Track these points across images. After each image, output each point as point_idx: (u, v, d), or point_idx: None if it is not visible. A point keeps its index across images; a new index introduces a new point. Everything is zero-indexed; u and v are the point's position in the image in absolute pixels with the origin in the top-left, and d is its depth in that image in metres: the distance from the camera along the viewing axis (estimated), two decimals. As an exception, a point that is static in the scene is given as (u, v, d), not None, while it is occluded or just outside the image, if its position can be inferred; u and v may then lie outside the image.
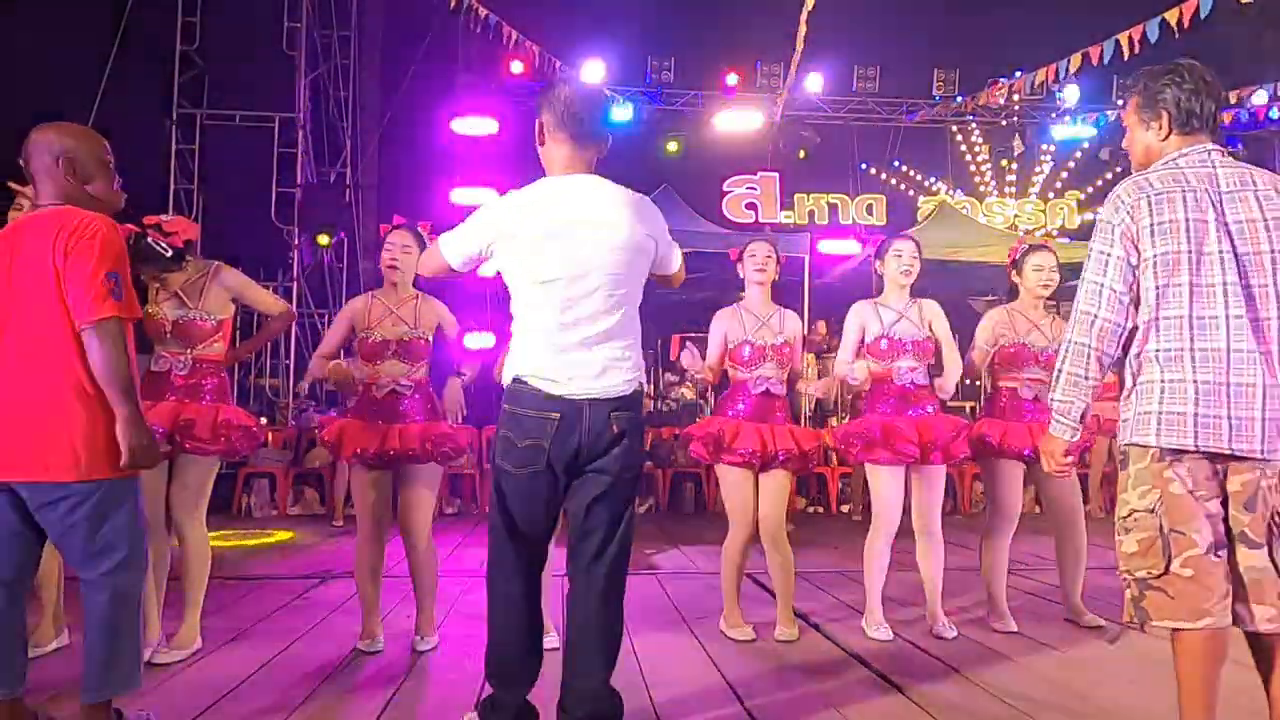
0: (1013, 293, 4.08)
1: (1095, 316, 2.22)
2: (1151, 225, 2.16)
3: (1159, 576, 2.13)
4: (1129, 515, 2.20)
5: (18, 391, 2.32)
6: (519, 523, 2.38)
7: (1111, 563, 2.30)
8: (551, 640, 3.42)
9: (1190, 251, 2.13)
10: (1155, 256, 2.16)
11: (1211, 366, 2.11)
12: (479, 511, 8.34)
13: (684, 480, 8.71)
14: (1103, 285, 2.21)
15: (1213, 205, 2.15)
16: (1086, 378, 2.25)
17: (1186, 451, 2.13)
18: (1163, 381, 2.16)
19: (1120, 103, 2.37)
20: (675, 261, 2.61)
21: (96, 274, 2.28)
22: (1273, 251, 2.12)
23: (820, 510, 8.61)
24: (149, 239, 3.22)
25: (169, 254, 3.26)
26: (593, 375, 2.31)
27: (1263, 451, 2.08)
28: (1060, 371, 2.29)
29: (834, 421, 8.77)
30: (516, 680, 2.40)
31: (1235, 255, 2.12)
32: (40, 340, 2.32)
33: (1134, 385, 2.23)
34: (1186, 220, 2.14)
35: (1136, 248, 2.19)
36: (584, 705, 2.32)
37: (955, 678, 3.19)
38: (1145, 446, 2.18)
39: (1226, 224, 2.14)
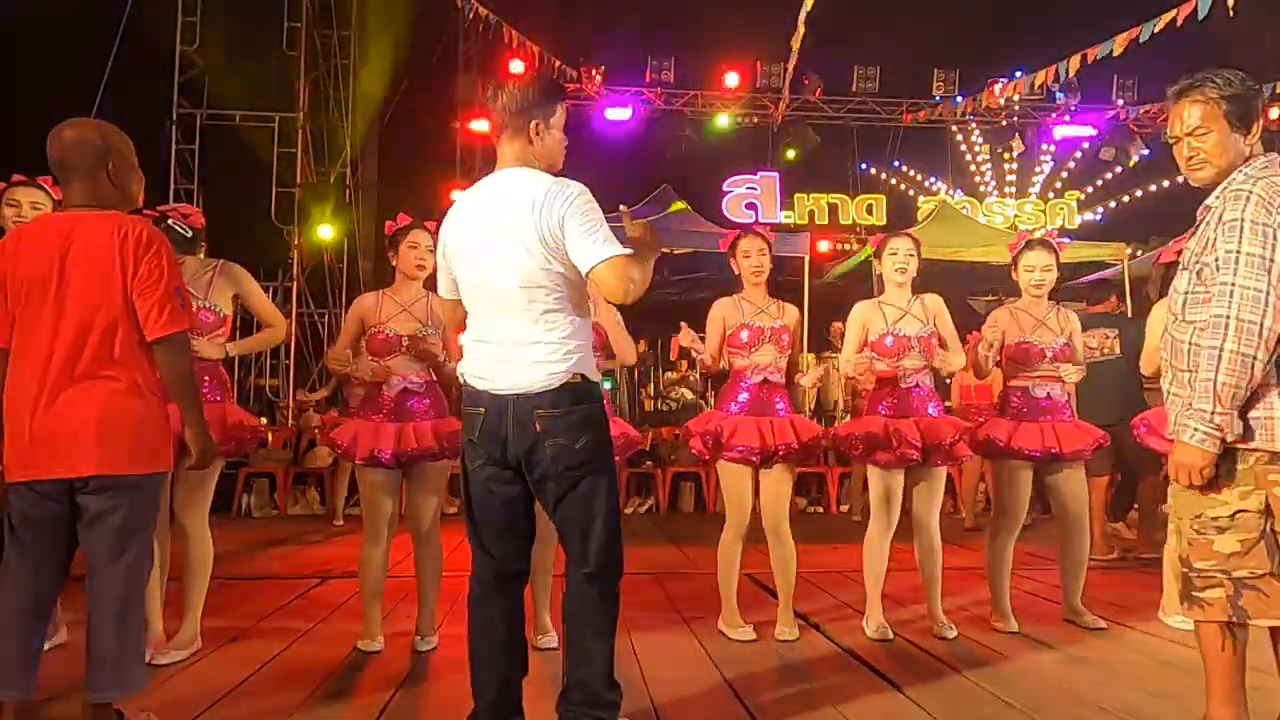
0: (1019, 291, 4.05)
1: (1262, 325, 2.10)
2: None
3: (1260, 577, 2.12)
4: (1232, 515, 2.16)
5: (78, 387, 2.35)
6: (476, 521, 2.38)
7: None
8: (550, 640, 3.42)
9: None
10: None
11: None
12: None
13: (684, 480, 8.72)
14: (1266, 292, 2.10)
15: None
16: (1245, 389, 2.14)
17: None
18: None
19: (1183, 103, 2.24)
20: (589, 255, 2.22)
21: (170, 289, 2.42)
22: None
23: (820, 510, 8.61)
24: (170, 220, 3.34)
25: (190, 235, 3.38)
26: (516, 371, 2.29)
27: None
28: (1214, 381, 2.14)
29: (835, 420, 8.78)
30: (485, 688, 2.37)
31: None
32: (100, 341, 2.37)
33: (1266, 389, 2.18)
34: None
35: None
36: (578, 696, 2.32)
37: (955, 678, 3.19)
38: (1252, 449, 2.16)
39: None
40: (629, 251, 2.27)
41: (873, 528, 3.80)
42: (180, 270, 2.53)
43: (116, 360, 2.39)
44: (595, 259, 2.22)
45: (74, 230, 2.40)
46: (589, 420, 2.33)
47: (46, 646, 3.33)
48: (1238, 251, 2.13)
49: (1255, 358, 2.11)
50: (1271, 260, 2.11)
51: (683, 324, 3.67)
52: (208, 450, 2.56)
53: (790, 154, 12.80)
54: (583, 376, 2.32)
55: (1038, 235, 4.12)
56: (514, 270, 2.28)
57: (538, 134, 2.37)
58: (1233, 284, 2.13)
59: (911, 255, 3.81)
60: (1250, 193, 2.15)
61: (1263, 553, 2.13)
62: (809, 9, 9.45)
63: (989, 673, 3.23)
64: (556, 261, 2.28)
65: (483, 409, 2.32)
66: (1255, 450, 2.16)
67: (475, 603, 2.39)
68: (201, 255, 3.47)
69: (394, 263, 3.59)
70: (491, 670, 2.36)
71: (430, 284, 3.64)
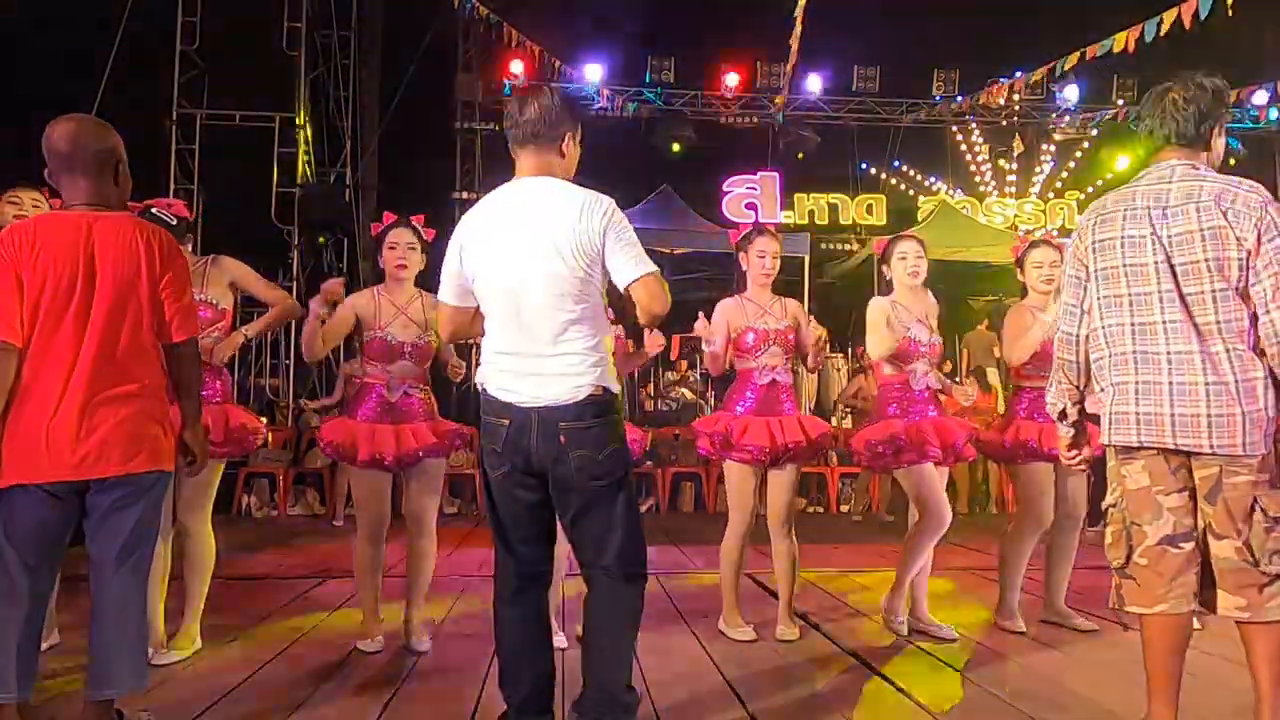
0: (1024, 292, 4.05)
1: (1059, 329, 2.53)
2: (1094, 243, 2.39)
3: (1124, 566, 2.35)
4: (1105, 511, 2.44)
5: (105, 390, 2.36)
6: (501, 525, 2.41)
7: (1101, 562, 2.45)
8: (559, 640, 3.40)
9: (1125, 265, 2.32)
10: (1096, 271, 2.37)
11: (1151, 368, 2.28)
12: (478, 512, 8.36)
13: (684, 480, 8.72)
14: (1062, 301, 2.52)
15: (1151, 221, 2.30)
16: (1060, 383, 2.54)
17: (1138, 448, 2.31)
18: (1113, 384, 2.35)
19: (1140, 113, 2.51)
20: (629, 269, 2.29)
21: (191, 296, 2.57)
22: (1207, 260, 2.23)
23: (820, 510, 8.61)
24: (155, 209, 3.34)
25: (174, 223, 3.35)
26: (541, 382, 2.30)
27: (1212, 447, 2.20)
28: (1050, 380, 2.60)
29: (834, 421, 8.78)
30: (518, 684, 2.39)
31: (1171, 265, 2.26)
32: (128, 343, 2.40)
33: (1099, 391, 2.43)
34: (1122, 237, 2.33)
35: (1085, 265, 2.43)
36: (595, 697, 2.32)
37: (956, 678, 3.19)
38: (1110, 446, 2.39)
39: (1164, 237, 2.27)
40: (656, 270, 2.34)
41: (921, 528, 3.70)
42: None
43: (140, 362, 2.42)
44: (636, 274, 2.30)
45: (94, 230, 2.39)
46: (612, 432, 2.35)
47: (43, 646, 3.34)
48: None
49: (1057, 356, 2.52)
50: (1066, 273, 2.49)
51: (700, 314, 3.67)
52: (206, 453, 2.67)
53: (800, 155, 12.81)
54: (604, 388, 2.33)
55: (1038, 235, 4.14)
56: (549, 279, 2.28)
57: (568, 147, 2.42)
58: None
59: (921, 258, 3.82)
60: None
61: (1123, 543, 2.35)
62: (803, 6, 9.44)
63: (990, 673, 3.23)
64: (591, 272, 2.31)
65: (507, 420, 2.32)
66: (1112, 448, 2.38)
67: (506, 602, 2.41)
68: (189, 249, 3.44)
69: (379, 263, 3.59)
70: (527, 668, 2.38)
71: (421, 283, 3.62)
